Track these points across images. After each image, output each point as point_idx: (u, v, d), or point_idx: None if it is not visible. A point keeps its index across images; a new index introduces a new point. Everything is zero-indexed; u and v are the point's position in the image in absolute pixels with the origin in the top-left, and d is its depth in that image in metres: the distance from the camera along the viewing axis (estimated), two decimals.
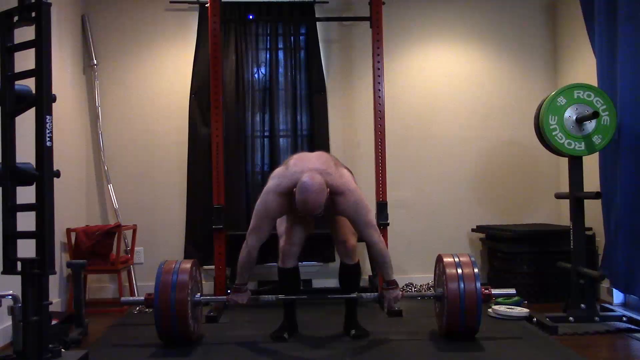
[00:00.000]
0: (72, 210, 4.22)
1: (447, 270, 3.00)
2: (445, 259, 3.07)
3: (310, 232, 3.21)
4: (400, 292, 3.09)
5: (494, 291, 3.14)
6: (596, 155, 3.67)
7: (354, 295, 3.19)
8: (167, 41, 4.70)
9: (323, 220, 3.18)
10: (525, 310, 3.55)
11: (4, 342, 3.06)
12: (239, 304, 3.11)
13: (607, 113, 3.39)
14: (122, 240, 4.23)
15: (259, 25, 4.66)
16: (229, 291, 3.23)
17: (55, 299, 3.83)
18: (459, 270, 2.98)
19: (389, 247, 4.09)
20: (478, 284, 2.94)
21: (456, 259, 3.05)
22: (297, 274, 3.22)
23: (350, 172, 3.15)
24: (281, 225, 3.19)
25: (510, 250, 4.18)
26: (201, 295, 3.18)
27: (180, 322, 2.93)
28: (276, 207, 2.93)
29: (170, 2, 4.64)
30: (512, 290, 3.28)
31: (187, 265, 3.06)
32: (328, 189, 2.82)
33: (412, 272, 4.61)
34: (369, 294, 3.24)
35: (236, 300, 3.08)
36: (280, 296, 3.16)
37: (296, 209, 2.86)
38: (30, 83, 2.32)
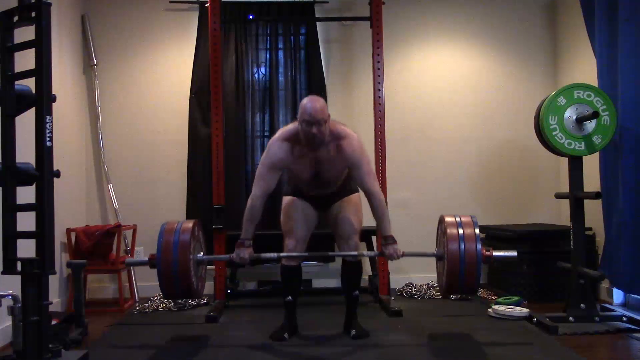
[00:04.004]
0: (72, 210, 4.22)
1: (448, 230, 2.96)
2: (446, 219, 3.04)
3: (313, 230, 3.21)
4: (400, 251, 3.05)
5: (495, 253, 3.03)
6: (596, 155, 3.66)
7: (355, 293, 3.17)
8: (167, 41, 4.70)
9: (326, 209, 3.17)
10: (525, 310, 3.55)
11: (4, 342, 3.05)
12: (242, 263, 3.08)
13: (607, 113, 3.38)
14: (122, 240, 4.24)
15: (259, 25, 4.66)
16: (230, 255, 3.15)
17: (55, 299, 3.83)
18: (460, 231, 2.95)
19: None
20: (478, 245, 2.90)
21: (457, 219, 3.02)
22: (299, 272, 3.21)
23: None
24: (286, 223, 3.18)
25: None
26: (204, 255, 3.16)
27: (183, 281, 2.93)
28: (279, 152, 2.99)
29: (170, 2, 4.64)
30: (513, 253, 3.12)
31: (189, 224, 3.05)
32: (330, 125, 2.93)
33: (412, 272, 4.61)
34: (369, 252, 3.21)
35: (239, 254, 3.04)
36: (282, 254, 3.10)
37: (299, 155, 2.94)
38: (30, 83, 2.32)
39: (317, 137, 2.87)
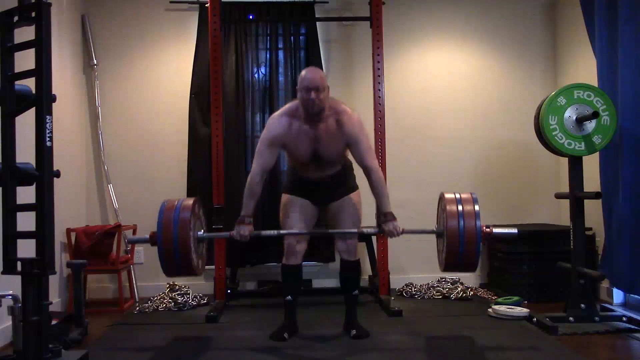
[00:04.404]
0: (72, 210, 4.22)
1: (448, 207, 2.92)
2: (446, 196, 3.00)
3: (312, 228, 3.21)
4: (400, 227, 3.03)
5: (496, 230, 3.00)
6: (596, 155, 3.66)
7: (354, 292, 3.17)
8: (167, 41, 4.70)
9: (325, 205, 3.16)
10: (525, 310, 3.55)
11: (4, 342, 3.05)
12: (242, 241, 3.04)
13: (607, 113, 3.38)
14: (122, 240, 4.23)
15: (259, 25, 4.66)
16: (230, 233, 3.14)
17: (55, 299, 3.83)
18: (460, 208, 2.90)
19: (388, 248, 4.11)
20: (478, 222, 2.86)
21: (457, 196, 2.98)
22: (300, 272, 3.20)
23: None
24: (285, 222, 3.17)
25: (510, 250, 4.18)
26: (204, 232, 3.17)
27: (183, 257, 2.92)
28: (278, 127, 3.00)
29: (170, 2, 4.64)
30: (514, 230, 3.11)
31: (189, 202, 3.04)
32: (330, 101, 2.98)
33: (412, 272, 4.61)
34: (369, 229, 3.20)
35: (239, 231, 3.02)
36: (282, 231, 3.10)
37: (298, 131, 2.95)
38: (30, 83, 2.32)
39: (316, 103, 2.86)
